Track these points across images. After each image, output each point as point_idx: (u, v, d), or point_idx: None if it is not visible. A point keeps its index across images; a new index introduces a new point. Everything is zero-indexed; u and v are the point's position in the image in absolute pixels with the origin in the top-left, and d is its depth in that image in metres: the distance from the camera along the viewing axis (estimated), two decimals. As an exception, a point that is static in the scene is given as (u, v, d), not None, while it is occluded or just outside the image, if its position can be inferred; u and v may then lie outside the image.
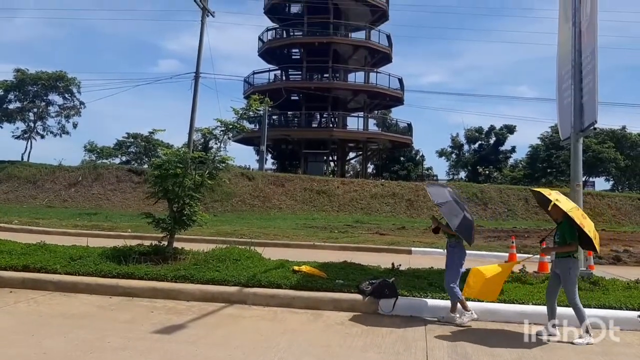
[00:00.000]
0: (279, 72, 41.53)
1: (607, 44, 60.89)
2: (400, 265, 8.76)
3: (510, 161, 54.80)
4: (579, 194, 8.96)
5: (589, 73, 8.56)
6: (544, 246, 7.17)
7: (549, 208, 6.01)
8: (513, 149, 53.38)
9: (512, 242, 14.23)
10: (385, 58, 41.66)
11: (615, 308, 6.71)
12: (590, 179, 47.43)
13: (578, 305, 5.85)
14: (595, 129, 8.84)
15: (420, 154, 55.57)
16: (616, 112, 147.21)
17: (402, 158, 54.03)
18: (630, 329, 6.23)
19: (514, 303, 6.89)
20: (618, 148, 46.66)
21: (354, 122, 41.71)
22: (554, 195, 5.97)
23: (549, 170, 47.57)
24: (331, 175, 38.15)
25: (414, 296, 7.06)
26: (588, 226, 5.79)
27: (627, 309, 6.68)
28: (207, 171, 9.06)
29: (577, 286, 5.93)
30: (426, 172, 55.84)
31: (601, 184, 52.54)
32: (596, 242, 5.87)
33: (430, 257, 13.17)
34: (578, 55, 8.98)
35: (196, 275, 7.57)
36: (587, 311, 6.17)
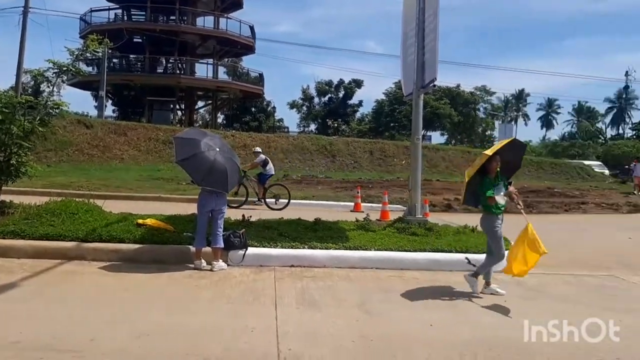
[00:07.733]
0: (120, 11, 38.15)
1: (448, 6, 65.13)
2: (250, 216, 8.68)
3: (358, 115, 57.09)
4: (418, 147, 9.56)
5: (431, 32, 8.99)
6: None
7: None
8: (360, 103, 55.55)
9: (358, 192, 15.01)
10: (236, 4, 40.37)
11: (446, 251, 7.34)
12: (428, 133, 51.15)
13: None
14: (435, 86, 9.37)
15: (272, 105, 55.50)
16: (451, 71, 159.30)
17: (253, 109, 53.58)
18: (459, 270, 6.62)
19: (358, 250, 7.22)
20: (453, 105, 50.68)
21: (203, 70, 40.33)
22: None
23: (392, 125, 50.45)
24: (178, 125, 36.62)
25: (263, 246, 7.09)
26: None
27: (456, 252, 7.32)
28: (39, 117, 8.20)
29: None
30: (278, 123, 56.09)
31: (437, 137, 57.10)
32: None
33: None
34: (422, 14, 9.36)
35: (27, 230, 6.89)
36: (423, 255, 6.87)
